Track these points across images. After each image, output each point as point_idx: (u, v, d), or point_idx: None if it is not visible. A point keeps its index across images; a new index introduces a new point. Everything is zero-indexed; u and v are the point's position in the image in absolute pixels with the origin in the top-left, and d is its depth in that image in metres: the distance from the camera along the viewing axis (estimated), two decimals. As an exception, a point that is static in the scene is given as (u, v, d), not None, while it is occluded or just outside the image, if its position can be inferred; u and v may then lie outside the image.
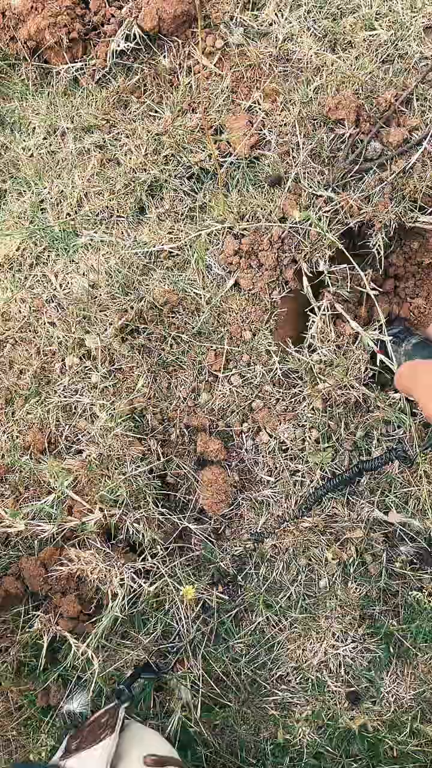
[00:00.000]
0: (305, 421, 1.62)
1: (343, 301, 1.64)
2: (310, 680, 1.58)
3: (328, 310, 1.58)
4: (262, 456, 1.64)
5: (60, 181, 1.78)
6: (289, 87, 1.70)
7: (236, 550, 1.63)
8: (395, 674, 1.58)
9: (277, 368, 1.62)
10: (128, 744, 1.28)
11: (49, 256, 1.76)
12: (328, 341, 1.58)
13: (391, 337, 1.67)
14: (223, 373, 1.65)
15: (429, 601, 1.52)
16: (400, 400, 1.61)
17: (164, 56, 1.74)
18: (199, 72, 1.74)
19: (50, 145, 1.81)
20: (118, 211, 1.75)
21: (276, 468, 1.64)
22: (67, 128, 1.79)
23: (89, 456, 1.55)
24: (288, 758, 1.55)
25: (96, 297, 1.69)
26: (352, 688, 1.57)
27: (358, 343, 1.59)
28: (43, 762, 1.51)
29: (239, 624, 1.62)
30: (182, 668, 1.56)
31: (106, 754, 1.20)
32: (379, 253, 1.65)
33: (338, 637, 1.59)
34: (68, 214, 1.76)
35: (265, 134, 1.68)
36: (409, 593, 1.55)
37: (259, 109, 1.70)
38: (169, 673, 1.55)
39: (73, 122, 1.79)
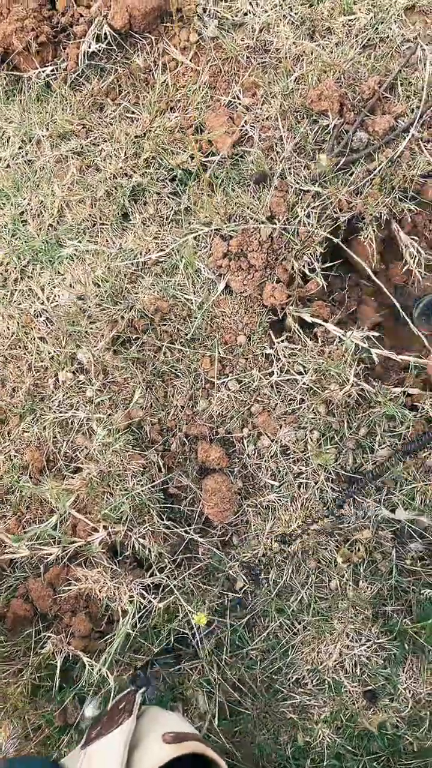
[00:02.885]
0: (306, 423, 1.59)
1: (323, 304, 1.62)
2: (326, 682, 1.58)
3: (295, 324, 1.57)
4: (265, 461, 1.62)
5: (39, 191, 1.73)
6: (268, 79, 1.64)
7: (245, 557, 1.61)
8: (411, 670, 1.58)
9: (275, 373, 1.60)
10: (147, 726, 1.27)
11: (33, 269, 1.72)
12: (306, 350, 1.57)
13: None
14: (219, 379, 1.63)
15: (441, 598, 1.51)
16: (402, 394, 1.58)
17: (138, 55, 1.68)
18: (174, 68, 1.68)
19: (26, 154, 1.76)
20: (101, 219, 1.70)
21: (279, 472, 1.62)
22: (43, 136, 1.73)
23: (89, 474, 1.53)
24: (309, 761, 1.55)
25: (85, 309, 1.65)
26: (369, 687, 1.57)
27: (340, 342, 1.57)
28: (42, 756, 1.51)
29: (252, 630, 1.61)
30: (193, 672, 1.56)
31: (124, 736, 1.19)
32: (371, 246, 1.61)
33: (352, 637, 1.59)
34: (50, 225, 1.72)
35: (247, 130, 1.64)
36: (422, 591, 1.54)
37: (240, 104, 1.65)
38: (183, 660, 1.55)
39: (48, 129, 1.73)
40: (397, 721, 1.55)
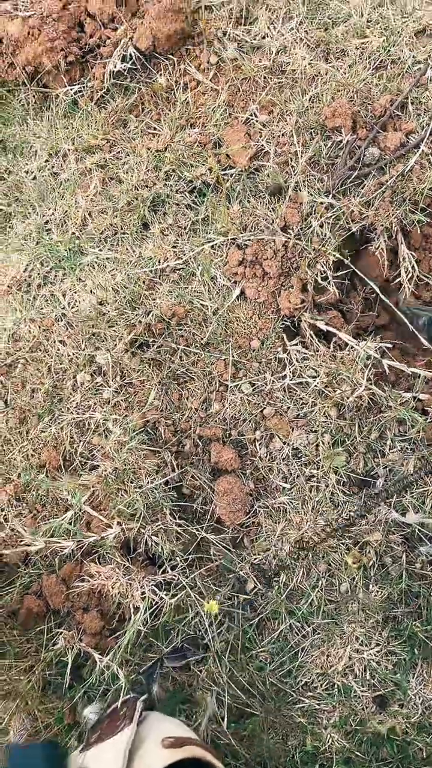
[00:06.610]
0: (317, 426, 1.62)
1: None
2: (335, 686, 1.58)
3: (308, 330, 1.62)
4: (277, 463, 1.65)
5: (63, 201, 1.81)
6: (285, 98, 1.72)
7: (255, 558, 1.63)
8: (421, 676, 1.57)
9: (288, 376, 1.64)
10: (147, 732, 1.28)
11: (56, 275, 1.78)
12: (318, 355, 1.61)
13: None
14: (233, 382, 1.67)
15: (451, 601, 1.52)
16: (413, 398, 1.61)
17: (160, 74, 1.77)
18: (195, 88, 1.77)
19: (52, 167, 1.85)
20: (122, 228, 1.77)
21: (291, 474, 1.65)
22: (69, 150, 1.82)
23: (105, 471, 1.56)
24: (318, 765, 1.54)
25: (104, 313, 1.71)
26: (379, 692, 1.57)
27: (351, 348, 1.61)
28: (43, 741, 1.51)
29: (262, 632, 1.62)
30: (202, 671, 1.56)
31: (124, 743, 1.21)
32: (382, 256, 1.66)
33: (362, 641, 1.59)
34: (73, 233, 1.79)
35: (263, 145, 1.71)
36: None
37: (257, 121, 1.72)
38: (189, 663, 1.55)
39: (74, 143, 1.82)
40: (407, 727, 1.54)
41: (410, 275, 1.69)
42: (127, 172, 1.77)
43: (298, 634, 1.61)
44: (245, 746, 1.57)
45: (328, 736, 1.55)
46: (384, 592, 1.59)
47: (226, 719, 1.55)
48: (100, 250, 1.77)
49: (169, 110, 1.77)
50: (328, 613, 1.60)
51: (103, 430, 1.67)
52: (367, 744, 1.54)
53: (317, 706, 1.58)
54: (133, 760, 1.19)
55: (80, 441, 1.67)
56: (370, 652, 1.58)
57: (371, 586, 1.59)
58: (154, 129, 1.78)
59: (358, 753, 1.54)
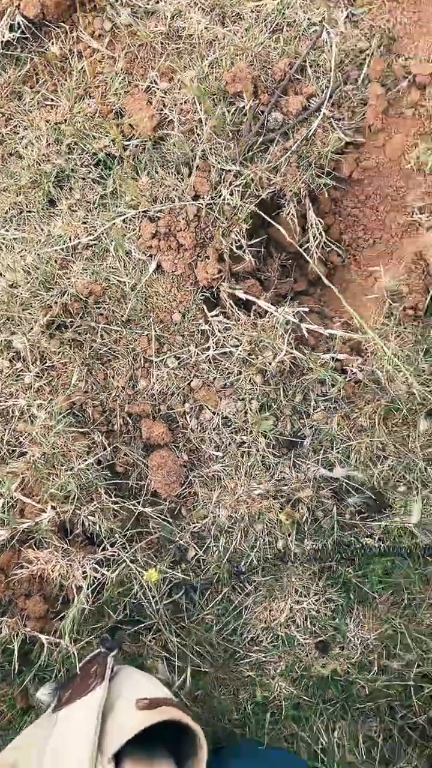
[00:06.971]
0: (244, 393, 1.66)
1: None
2: (279, 637, 1.66)
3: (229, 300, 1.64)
4: (208, 433, 1.68)
5: (-38, 182, 1.73)
6: (184, 64, 1.69)
7: (194, 527, 1.67)
8: (358, 618, 1.67)
9: (211, 347, 1.66)
10: (120, 690, 1.27)
11: (-38, 260, 1.71)
12: (239, 324, 1.64)
13: None
14: (157, 357, 1.67)
15: (379, 546, 1.61)
16: (332, 359, 1.67)
17: (53, 43, 1.70)
18: (91, 56, 1.71)
19: None
20: (27, 207, 1.71)
21: (222, 443, 1.68)
22: (-38, 126, 1.73)
23: (33, 456, 1.54)
24: (269, 714, 1.63)
25: (17, 296, 1.66)
26: (320, 638, 1.66)
27: (270, 315, 1.65)
28: None
29: (207, 596, 1.67)
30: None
31: (96, 703, 1.19)
32: (293, 221, 1.69)
33: (301, 592, 1.67)
34: (-24, 215, 1.71)
35: (166, 114, 1.68)
36: (361, 540, 1.64)
37: (158, 89, 1.69)
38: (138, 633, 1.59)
39: (-34, 119, 1.73)
40: (348, 667, 1.65)
41: (318, 241, 1.73)
42: (26, 147, 1.71)
43: (240, 593, 1.67)
44: (199, 704, 1.63)
45: (276, 685, 1.64)
46: (318, 545, 1.66)
47: (178, 683, 1.59)
48: (6, 231, 1.71)
49: (66, 80, 1.71)
50: (268, 570, 1.67)
51: (29, 416, 1.63)
52: (314, 688, 1.64)
53: (264, 659, 1.65)
54: (107, 721, 1.15)
55: (5, 429, 1.64)
56: (310, 602, 1.66)
57: (306, 540, 1.66)
58: (52, 100, 1.72)
59: (305, 697, 1.63)
